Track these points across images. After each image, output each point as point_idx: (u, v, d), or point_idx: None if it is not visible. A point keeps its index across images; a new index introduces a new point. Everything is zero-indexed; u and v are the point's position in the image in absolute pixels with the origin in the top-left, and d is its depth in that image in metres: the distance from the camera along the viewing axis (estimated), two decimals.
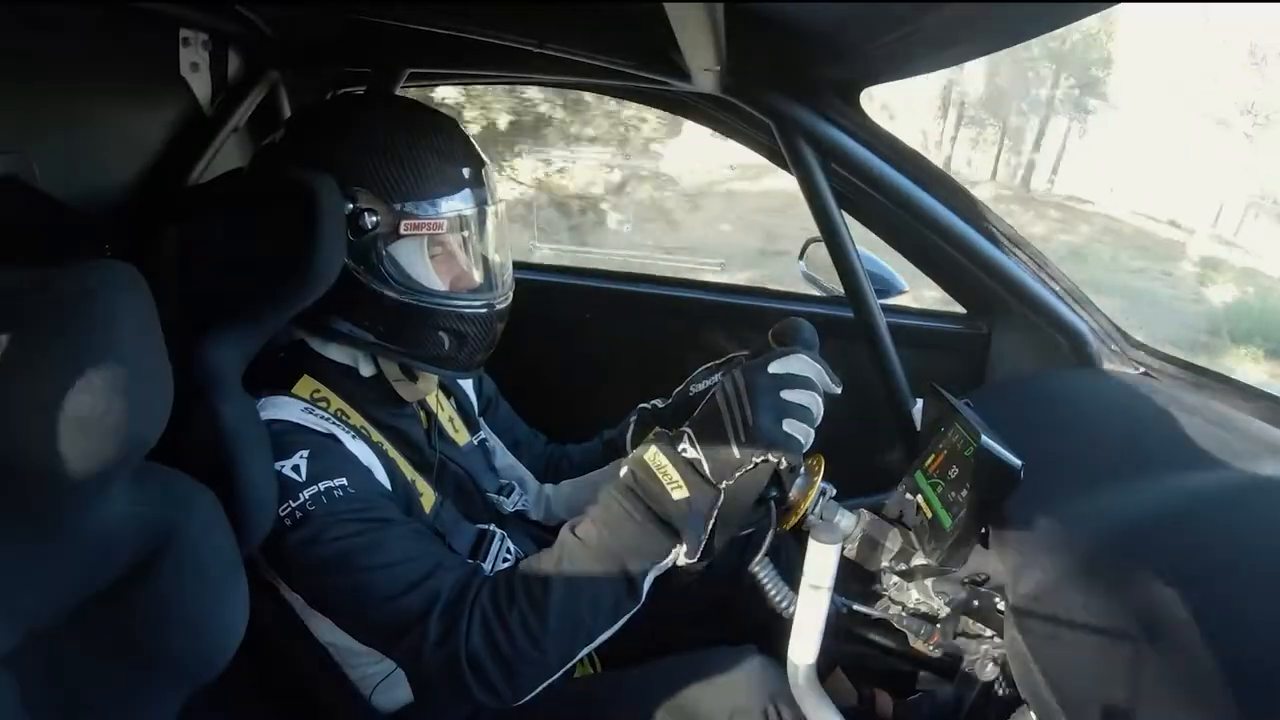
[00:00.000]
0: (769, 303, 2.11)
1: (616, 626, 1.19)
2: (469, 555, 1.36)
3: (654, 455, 1.17)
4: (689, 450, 1.15)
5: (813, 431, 1.17)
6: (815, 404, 1.17)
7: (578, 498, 1.67)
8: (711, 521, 1.16)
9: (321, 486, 1.15)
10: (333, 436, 1.22)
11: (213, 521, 1.02)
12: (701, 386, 1.52)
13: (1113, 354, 1.75)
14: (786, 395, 1.14)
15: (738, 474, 1.14)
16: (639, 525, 1.16)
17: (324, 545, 1.14)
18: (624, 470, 1.20)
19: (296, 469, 1.16)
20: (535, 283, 1.55)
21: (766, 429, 1.13)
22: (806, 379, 1.16)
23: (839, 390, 1.20)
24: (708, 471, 1.14)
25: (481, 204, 1.31)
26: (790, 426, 1.14)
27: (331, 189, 1.19)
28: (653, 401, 1.62)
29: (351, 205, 1.22)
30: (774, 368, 1.16)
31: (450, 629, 1.13)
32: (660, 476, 1.15)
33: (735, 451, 1.13)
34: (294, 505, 1.14)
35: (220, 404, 1.10)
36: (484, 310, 1.33)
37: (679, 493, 1.14)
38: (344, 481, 1.17)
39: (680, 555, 1.17)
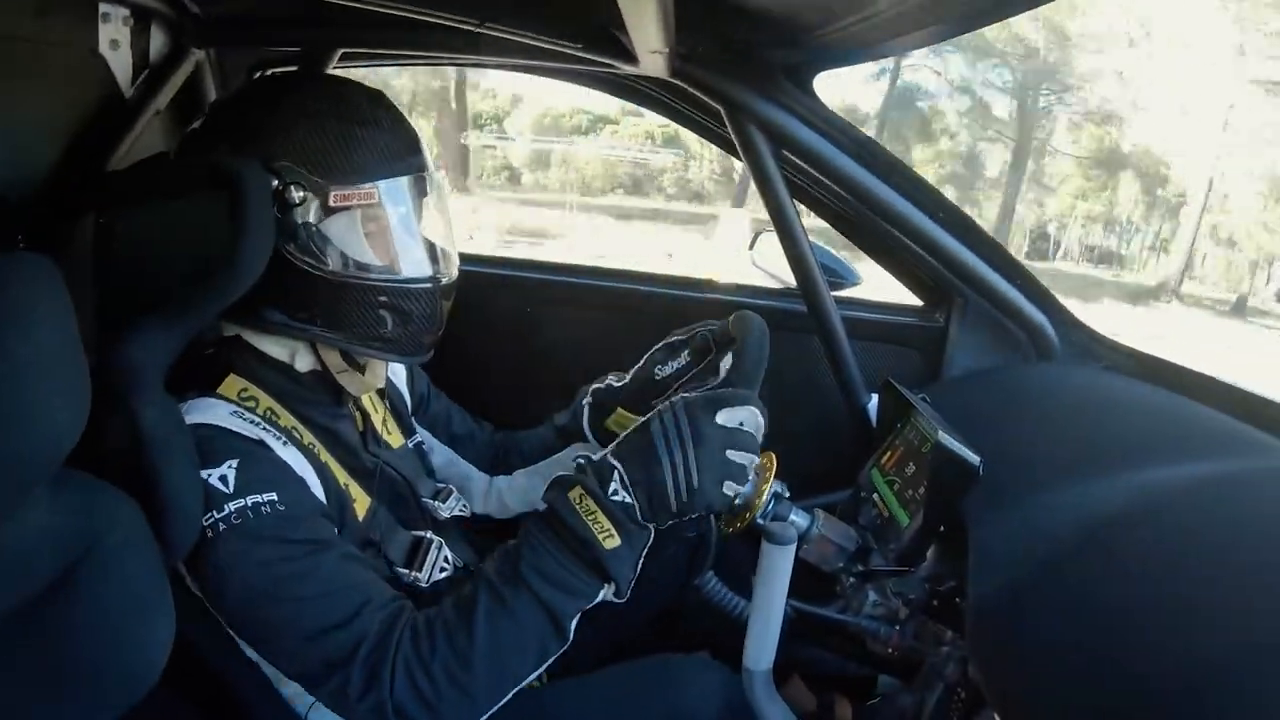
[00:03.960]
0: (718, 295, 2.09)
1: (544, 667, 1.17)
2: (405, 563, 1.33)
3: (581, 497, 1.13)
4: (620, 493, 1.12)
5: (749, 488, 1.16)
6: (753, 462, 1.15)
7: (533, 489, 1.63)
8: (642, 559, 1.15)
9: (249, 501, 1.10)
10: (261, 443, 1.16)
11: (135, 531, 0.98)
12: (668, 372, 1.50)
13: (1074, 348, 1.76)
14: (731, 455, 1.12)
15: (671, 522, 1.13)
16: (568, 573, 1.13)
17: (249, 570, 1.09)
18: (546, 504, 1.17)
19: (224, 479, 1.10)
20: (473, 274, 1.50)
21: (709, 492, 1.11)
22: (752, 438, 1.14)
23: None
24: (640, 517, 1.12)
25: (417, 173, 1.27)
26: (729, 488, 1.13)
27: (256, 173, 1.14)
28: (606, 380, 1.58)
29: (277, 180, 1.17)
30: (723, 418, 1.13)
31: (374, 676, 1.09)
32: (590, 524, 1.12)
33: (673, 506, 1.11)
34: (218, 516, 1.08)
35: (141, 406, 1.04)
36: (428, 286, 1.29)
37: (611, 541, 1.12)
38: (274, 496, 1.11)
39: (609, 594, 1.16)
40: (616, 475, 1.12)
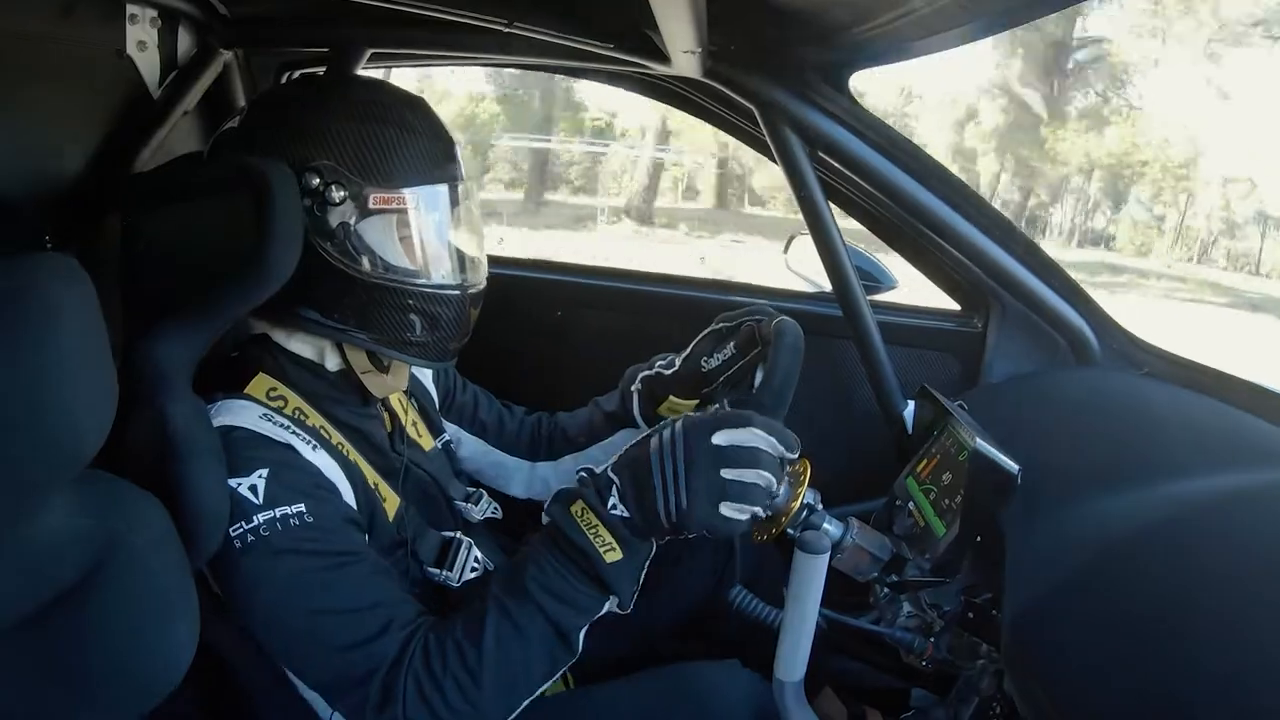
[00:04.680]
0: (750, 299, 2.07)
1: (556, 677, 1.18)
2: (435, 562, 1.33)
3: (583, 510, 1.13)
4: (619, 507, 1.11)
5: (760, 510, 1.11)
6: (763, 479, 1.10)
7: None
8: (645, 568, 1.15)
9: (278, 513, 1.09)
10: (290, 447, 1.16)
11: (160, 533, 0.97)
12: (714, 364, 1.47)
13: (1114, 353, 1.73)
14: (727, 474, 1.08)
15: (670, 538, 1.13)
16: (572, 587, 1.13)
17: (276, 583, 1.10)
18: (549, 519, 1.17)
19: (254, 489, 1.10)
20: (503, 277, 1.49)
21: (699, 513, 1.09)
22: (753, 453, 1.10)
23: (796, 454, 1.13)
24: (640, 531, 1.12)
25: (452, 181, 1.27)
26: (728, 509, 1.09)
27: (285, 174, 1.14)
28: (655, 367, 1.56)
29: (317, 179, 1.18)
30: (719, 438, 1.10)
31: (389, 693, 1.11)
32: (592, 538, 1.12)
33: (664, 525, 1.10)
34: (247, 527, 1.08)
35: (168, 406, 1.04)
36: (457, 293, 1.29)
37: (612, 555, 1.12)
38: (302, 507, 1.11)
39: (613, 607, 1.16)
40: (614, 489, 1.12)
